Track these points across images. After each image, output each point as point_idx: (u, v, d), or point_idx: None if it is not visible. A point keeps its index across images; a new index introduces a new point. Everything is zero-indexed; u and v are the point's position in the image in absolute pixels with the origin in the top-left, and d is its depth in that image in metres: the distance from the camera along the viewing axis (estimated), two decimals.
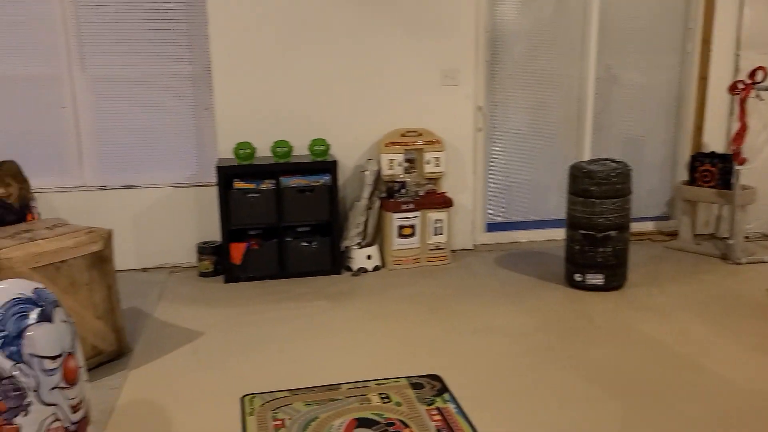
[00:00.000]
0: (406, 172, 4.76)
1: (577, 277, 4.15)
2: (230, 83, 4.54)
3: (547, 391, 2.92)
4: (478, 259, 4.90)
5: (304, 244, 4.52)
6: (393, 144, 4.69)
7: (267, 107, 4.62)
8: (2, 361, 1.47)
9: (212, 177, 4.55)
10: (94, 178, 4.64)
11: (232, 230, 4.44)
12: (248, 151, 4.48)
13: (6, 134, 4.48)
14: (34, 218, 3.61)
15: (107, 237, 3.17)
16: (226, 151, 4.58)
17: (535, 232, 5.32)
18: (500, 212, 5.31)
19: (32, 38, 4.39)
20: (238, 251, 4.44)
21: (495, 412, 2.74)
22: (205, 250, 4.62)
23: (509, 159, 5.23)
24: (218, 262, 4.60)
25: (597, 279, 4.07)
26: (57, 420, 1.57)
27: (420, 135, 4.75)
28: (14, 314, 1.52)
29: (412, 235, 4.70)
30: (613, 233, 4.03)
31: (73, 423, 1.62)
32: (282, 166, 4.49)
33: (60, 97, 4.50)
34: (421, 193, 4.77)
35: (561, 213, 4.54)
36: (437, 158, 4.76)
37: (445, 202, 4.77)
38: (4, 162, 3.66)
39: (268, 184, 4.43)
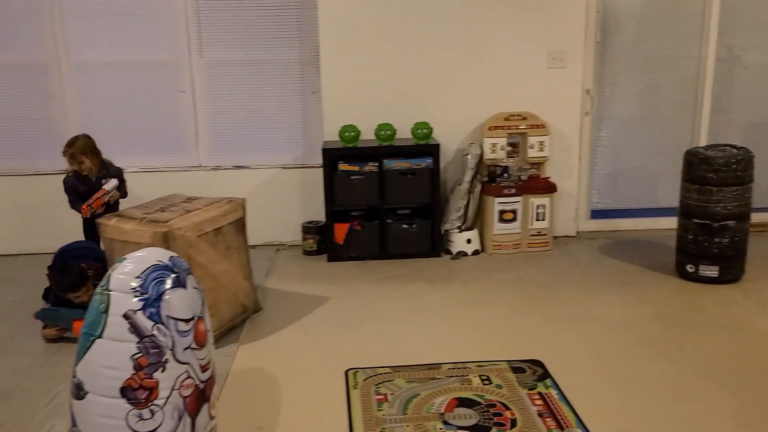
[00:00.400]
0: (508, 156, 4.70)
1: (689, 268, 3.96)
2: (337, 68, 4.65)
3: (656, 383, 2.83)
4: (582, 247, 4.78)
5: (405, 226, 4.58)
6: (496, 128, 4.64)
7: (372, 91, 4.69)
8: (144, 321, 1.62)
9: (318, 159, 4.69)
10: (208, 159, 4.91)
11: (335, 211, 4.57)
12: (353, 134, 4.58)
13: (131, 116, 4.81)
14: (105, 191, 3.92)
15: (244, 205, 3.47)
16: (331, 134, 4.71)
17: (643, 220, 5.11)
18: (606, 199, 5.14)
19: (157, 28, 4.68)
20: (341, 231, 4.57)
21: (600, 402, 2.69)
22: (309, 229, 4.79)
23: (617, 144, 5.04)
24: (322, 242, 4.75)
25: (711, 270, 3.87)
26: (189, 377, 1.70)
27: (524, 119, 4.67)
28: (154, 279, 1.66)
29: (513, 220, 4.65)
30: (731, 223, 3.81)
31: (202, 381, 1.76)
32: (385, 148, 4.56)
33: (180, 82, 4.78)
34: (524, 177, 4.70)
35: (671, 201, 4.33)
36: (541, 142, 4.67)
37: (548, 188, 4.68)
38: (78, 138, 3.98)
39: (371, 167, 4.52)
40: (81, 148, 3.92)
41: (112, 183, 3.95)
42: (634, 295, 3.81)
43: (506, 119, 4.67)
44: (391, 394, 2.77)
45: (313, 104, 4.83)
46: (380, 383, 2.88)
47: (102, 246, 3.65)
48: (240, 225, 3.45)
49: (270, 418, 2.63)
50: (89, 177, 3.96)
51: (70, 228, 4.27)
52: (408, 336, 3.38)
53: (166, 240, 2.96)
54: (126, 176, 4.15)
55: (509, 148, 4.71)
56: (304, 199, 4.92)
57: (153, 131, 4.85)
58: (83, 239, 3.96)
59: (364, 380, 2.91)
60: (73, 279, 3.36)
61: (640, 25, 4.82)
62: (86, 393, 1.64)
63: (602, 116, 4.97)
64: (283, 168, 4.90)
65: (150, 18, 4.66)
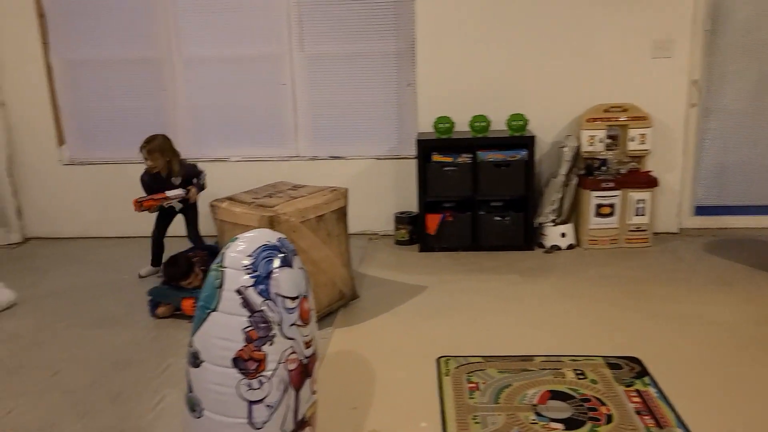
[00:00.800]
0: (607, 149, 4.57)
1: None
2: (433, 59, 4.68)
3: (764, 389, 2.69)
4: (684, 244, 4.58)
5: (498, 218, 4.56)
6: (595, 119, 4.52)
7: (467, 82, 4.69)
8: (255, 297, 1.72)
9: (411, 150, 4.75)
10: (306, 149, 5.08)
11: (428, 202, 4.61)
12: (447, 125, 4.60)
13: (235, 108, 5.05)
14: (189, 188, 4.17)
15: (346, 194, 3.59)
16: (425, 125, 4.75)
17: (753, 218, 4.84)
18: (712, 195, 4.89)
19: (260, 23, 4.88)
20: (433, 222, 4.61)
21: (702, 403, 2.59)
22: (402, 219, 4.86)
23: (725, 137, 4.78)
24: (414, 232, 4.81)
25: None
26: (294, 353, 1.80)
27: (625, 110, 4.52)
28: (263, 258, 1.76)
29: (610, 214, 4.52)
30: None
31: (306, 357, 1.84)
32: (479, 140, 4.55)
33: (281, 75, 4.96)
34: (623, 171, 4.56)
35: None
36: (643, 135, 4.50)
37: (648, 182, 4.51)
38: (156, 136, 4.16)
39: (464, 158, 4.52)
40: (155, 146, 4.12)
41: (176, 192, 4.15)
42: (741, 296, 3.62)
43: (606, 111, 4.53)
44: (483, 383, 2.79)
45: (408, 96, 4.89)
46: (472, 372, 2.90)
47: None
48: (341, 213, 3.56)
49: (364, 399, 2.71)
50: (161, 175, 4.17)
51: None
52: (499, 327, 3.37)
53: (271, 224, 3.12)
54: (206, 172, 4.34)
55: (608, 141, 4.57)
56: (397, 189, 4.99)
57: (255, 122, 5.07)
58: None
59: (456, 368, 2.94)
60: (182, 268, 3.60)
61: (753, 11, 4.55)
62: (202, 361, 1.77)
63: (710, 108, 4.73)
64: (377, 159, 4.99)
65: (254, 14, 4.87)
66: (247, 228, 3.15)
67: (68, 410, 2.69)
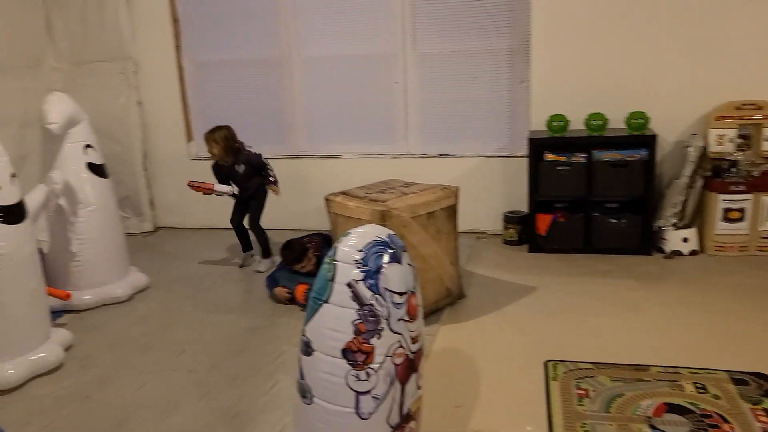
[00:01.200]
0: (738, 150, 4.26)
1: None
2: (548, 55, 4.57)
3: None
4: None
5: (613, 220, 4.38)
6: (724, 118, 4.23)
7: (583, 79, 4.54)
8: (365, 291, 1.77)
9: (523, 149, 4.66)
10: (416, 147, 5.12)
11: (539, 201, 4.51)
12: (561, 123, 4.47)
13: (349, 105, 5.18)
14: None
15: (457, 193, 3.60)
16: (538, 124, 4.64)
17: None
18: None
19: (375, 23, 4.97)
20: (543, 222, 4.50)
21: None
22: (511, 219, 4.79)
23: None
24: (523, 232, 4.72)
25: None
26: (401, 347, 1.83)
27: (760, 108, 4.19)
28: (374, 253, 1.81)
29: (740, 219, 4.21)
30: None
31: (412, 352, 1.88)
32: (595, 139, 4.39)
33: (394, 74, 5.03)
34: (756, 173, 4.22)
35: None
36: None
37: None
38: (220, 127, 4.41)
39: (579, 158, 4.38)
40: (215, 136, 4.36)
41: (223, 188, 4.38)
42: None
43: (737, 108, 4.22)
44: (594, 391, 2.70)
45: (520, 93, 4.80)
46: (581, 378, 2.81)
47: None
48: (451, 211, 3.57)
49: (468, 398, 2.71)
50: (221, 164, 4.42)
51: (294, 209, 4.75)
52: (612, 333, 3.24)
53: (383, 218, 3.19)
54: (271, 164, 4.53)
55: (739, 140, 4.25)
56: (506, 188, 4.92)
57: (367, 120, 5.17)
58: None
59: (564, 373, 2.86)
60: (295, 253, 3.75)
61: None
62: (313, 350, 1.85)
63: None
64: (487, 157, 4.94)
65: (369, 14, 4.97)
66: (359, 221, 3.25)
67: (191, 389, 2.89)
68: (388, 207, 3.24)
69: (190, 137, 5.51)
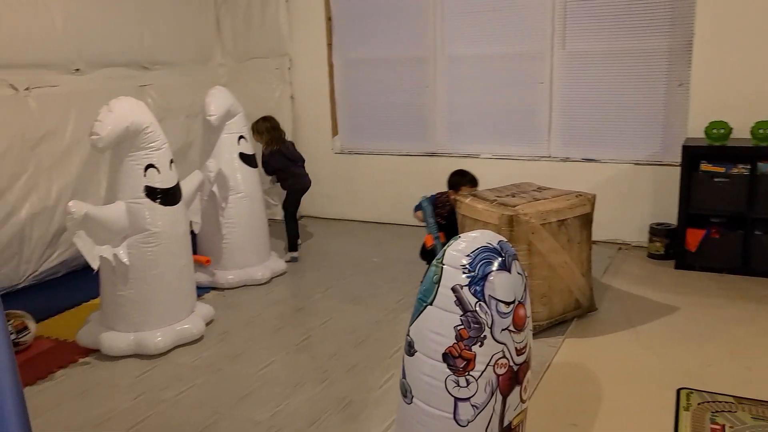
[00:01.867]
0: None
1: None
2: (712, 56, 4.19)
3: None
4: None
5: None
6: None
7: (751, 83, 4.11)
8: (469, 297, 1.75)
9: (676, 157, 4.32)
10: (558, 150, 4.93)
11: (690, 215, 4.16)
12: (722, 131, 4.08)
13: (490, 105, 5.11)
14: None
15: (593, 201, 3.43)
16: (695, 130, 4.28)
17: None
18: None
19: (523, 21, 4.85)
20: (694, 237, 4.15)
21: None
22: (658, 231, 4.46)
23: None
24: (670, 246, 4.38)
25: None
26: (504, 357, 1.79)
27: None
28: (482, 260, 1.78)
29: None
30: None
31: (517, 364, 1.82)
32: (762, 150, 3.96)
33: (539, 74, 4.88)
34: None
35: None
36: None
37: None
38: (263, 118, 4.70)
39: (740, 169, 3.98)
40: (258, 127, 4.67)
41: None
42: None
43: None
44: (731, 427, 2.45)
45: (678, 97, 4.45)
46: (718, 412, 2.57)
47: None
48: (586, 220, 3.40)
49: (586, 418, 2.58)
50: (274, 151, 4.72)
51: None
52: (762, 367, 2.92)
53: (510, 223, 3.12)
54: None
55: None
56: (654, 198, 4.60)
57: (508, 121, 5.07)
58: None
59: (699, 404, 2.63)
60: (460, 178, 3.99)
61: None
62: (415, 351, 1.86)
63: None
64: (636, 164, 4.64)
65: (517, 12, 4.86)
66: (487, 225, 3.21)
67: (312, 373, 3.03)
68: (516, 212, 3.16)
69: (335, 131, 5.74)
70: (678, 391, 2.73)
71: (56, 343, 3.41)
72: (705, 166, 4.09)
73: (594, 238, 4.42)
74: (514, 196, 3.42)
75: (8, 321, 3.23)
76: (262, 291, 4.12)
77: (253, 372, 3.06)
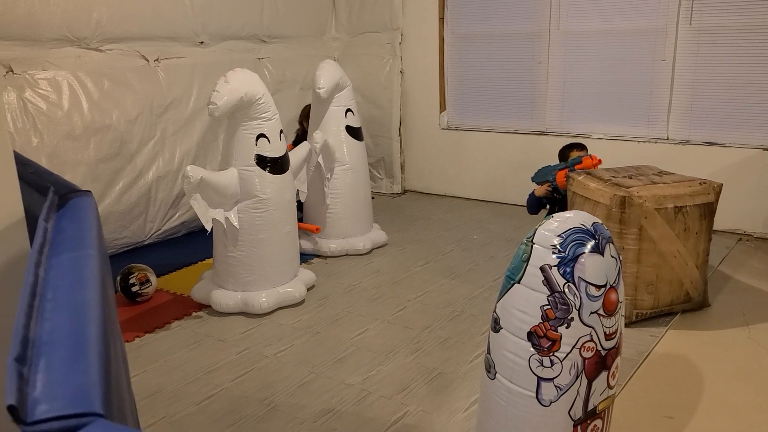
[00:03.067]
0: None
1: None
2: None
3: None
4: None
5: None
6: None
7: None
8: (558, 277, 1.73)
9: None
10: (678, 132, 4.65)
11: None
12: None
13: (606, 83, 4.89)
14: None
15: (718, 190, 3.21)
16: None
17: None
18: None
19: None
20: None
21: None
22: None
23: None
24: None
25: None
26: (591, 341, 1.75)
27: None
28: (573, 241, 1.74)
29: None
30: None
31: (605, 348, 1.78)
32: None
33: (660, 50, 4.60)
34: None
35: None
36: None
37: None
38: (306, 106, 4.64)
39: None
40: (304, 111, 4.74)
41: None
42: None
43: None
44: None
45: None
46: None
47: None
48: (707, 210, 3.18)
49: (683, 411, 2.47)
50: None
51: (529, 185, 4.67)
52: None
53: (622, 204, 3.01)
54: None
55: None
56: None
57: (624, 100, 4.84)
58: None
59: None
60: (572, 145, 3.98)
61: None
62: (501, 328, 1.86)
63: None
64: (764, 149, 4.30)
65: None
66: (597, 205, 3.11)
67: (405, 343, 3.11)
68: (630, 193, 3.03)
69: (443, 107, 5.73)
70: None
71: (173, 297, 3.71)
72: None
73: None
74: (630, 178, 3.27)
75: (133, 273, 3.56)
76: (363, 261, 4.25)
77: (348, 337, 3.19)
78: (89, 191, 1.43)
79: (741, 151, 4.37)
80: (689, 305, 3.31)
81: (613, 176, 3.31)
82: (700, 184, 3.20)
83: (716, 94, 4.45)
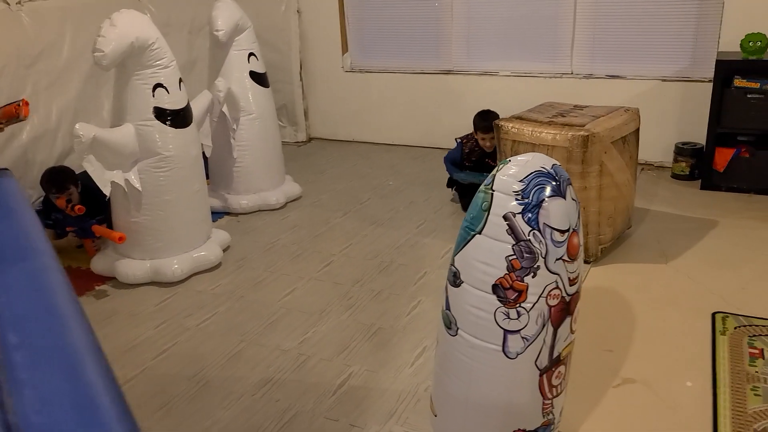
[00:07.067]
0: None
1: None
2: None
3: None
4: None
5: None
6: None
7: None
8: (522, 225, 1.63)
9: (707, 72, 4.12)
10: (581, 66, 4.70)
11: (720, 133, 4.00)
12: (760, 44, 3.85)
13: (509, 19, 4.82)
14: None
15: (639, 115, 3.28)
16: (730, 44, 4.05)
17: None
18: None
19: None
20: (723, 157, 4.01)
21: None
22: (683, 151, 4.31)
23: None
24: (696, 166, 4.25)
25: None
26: (557, 288, 1.69)
27: None
28: (535, 186, 1.65)
29: None
30: None
31: (569, 294, 1.73)
32: None
33: None
34: None
35: None
36: None
37: None
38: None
39: None
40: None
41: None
42: None
43: None
44: None
45: (710, 8, 4.19)
46: (756, 336, 2.51)
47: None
48: (637, 135, 3.26)
49: (621, 344, 2.52)
50: None
51: (446, 126, 4.59)
52: None
53: (585, 143, 2.93)
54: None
55: None
56: (681, 116, 4.42)
57: (529, 36, 4.80)
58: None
59: (735, 328, 2.57)
60: (481, 124, 3.79)
61: None
62: (461, 282, 1.76)
63: None
64: (663, 80, 4.43)
65: None
66: (552, 148, 3.00)
67: (337, 300, 2.97)
68: (589, 131, 2.94)
69: (345, 48, 5.46)
70: (713, 316, 2.67)
71: (71, 271, 3.33)
72: (738, 82, 3.89)
73: None
74: (564, 116, 3.20)
75: None
76: (278, 216, 4.02)
77: (276, 299, 3.00)
78: (6, 169, 1.11)
79: (641, 83, 4.49)
80: (629, 232, 3.43)
81: (548, 118, 3.19)
82: (626, 111, 3.23)
83: (616, 26, 4.51)
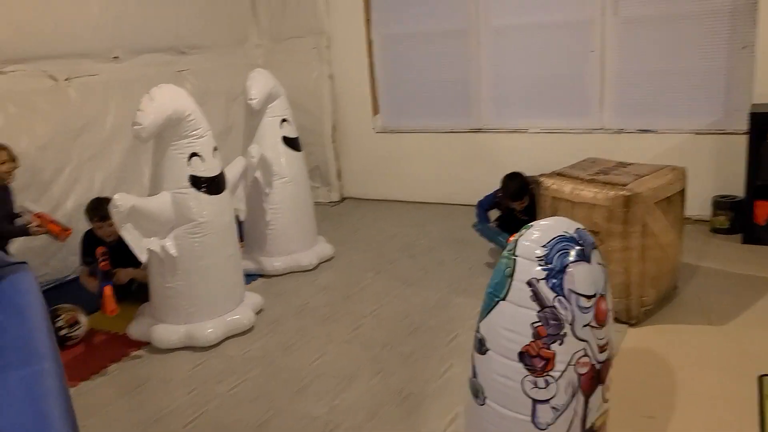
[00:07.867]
0: None
1: None
2: None
3: None
4: None
5: None
6: None
7: None
8: (546, 291, 1.61)
9: (741, 124, 4.06)
10: (612, 121, 4.69)
11: (759, 186, 3.91)
12: None
13: (538, 77, 4.88)
14: None
15: (685, 175, 3.20)
16: (763, 95, 4.00)
17: None
18: None
19: None
20: (763, 210, 3.91)
21: None
22: (722, 204, 4.22)
23: None
24: (736, 220, 4.14)
25: None
26: (586, 355, 1.65)
27: None
28: (559, 251, 1.63)
29: None
30: None
31: (599, 362, 1.68)
32: None
33: (589, 42, 4.62)
34: None
35: None
36: None
37: None
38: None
39: None
40: None
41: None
42: None
43: None
44: None
45: (741, 61, 4.16)
46: None
47: None
48: (683, 195, 3.17)
49: (663, 409, 2.42)
50: None
51: (477, 184, 4.60)
52: None
53: (627, 203, 2.86)
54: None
55: None
56: (718, 169, 4.34)
57: (558, 93, 4.84)
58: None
59: None
60: (518, 184, 3.83)
61: None
62: (487, 349, 1.73)
63: None
64: (696, 134, 4.38)
65: None
66: (593, 208, 2.94)
67: (366, 364, 2.93)
68: (632, 191, 2.87)
69: (376, 110, 5.58)
70: (760, 379, 2.55)
71: (108, 337, 3.39)
72: None
73: None
74: (606, 174, 3.15)
75: (59, 316, 3.22)
76: (310, 277, 4.04)
77: (306, 364, 2.98)
78: (24, 262, 1.12)
79: (673, 137, 4.45)
80: (674, 292, 3.32)
81: (589, 175, 3.14)
82: (671, 170, 3.15)
83: (646, 81, 4.51)
